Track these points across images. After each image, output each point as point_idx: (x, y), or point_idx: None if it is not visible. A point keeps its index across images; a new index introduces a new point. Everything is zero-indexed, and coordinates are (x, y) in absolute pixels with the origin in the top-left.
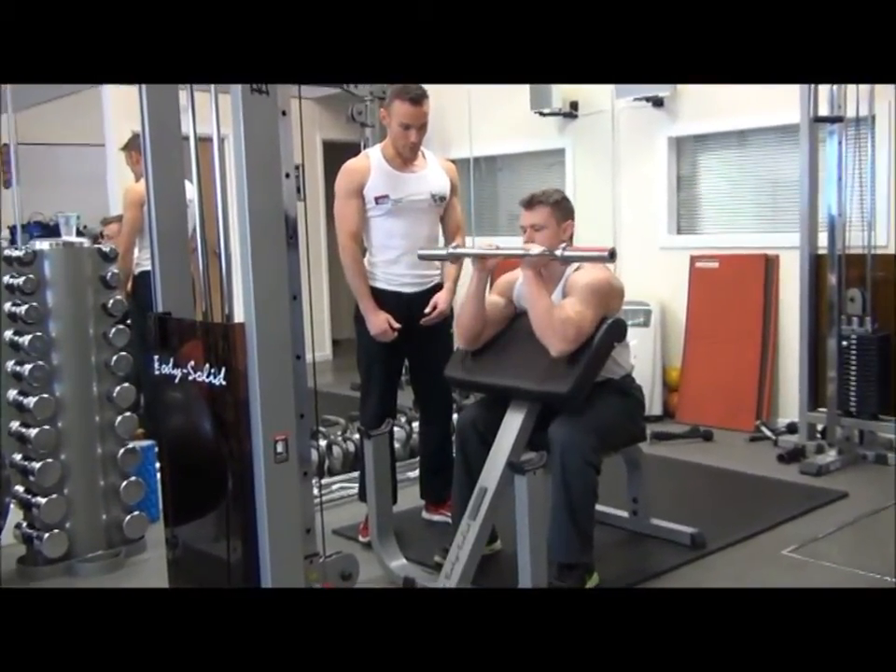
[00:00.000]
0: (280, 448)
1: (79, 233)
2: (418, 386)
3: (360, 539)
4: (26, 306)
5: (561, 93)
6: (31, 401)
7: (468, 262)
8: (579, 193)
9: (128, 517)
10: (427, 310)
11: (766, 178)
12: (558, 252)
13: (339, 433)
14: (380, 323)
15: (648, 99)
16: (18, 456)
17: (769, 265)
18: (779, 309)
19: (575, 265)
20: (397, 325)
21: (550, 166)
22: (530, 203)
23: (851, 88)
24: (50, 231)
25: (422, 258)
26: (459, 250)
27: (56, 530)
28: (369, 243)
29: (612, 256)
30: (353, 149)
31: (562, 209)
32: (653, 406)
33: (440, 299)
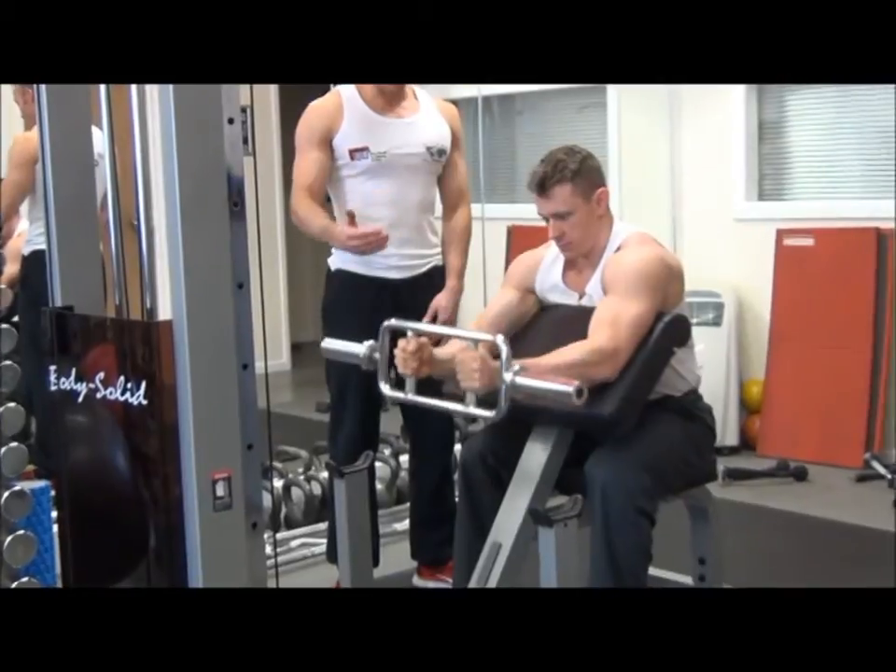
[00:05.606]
0: (221, 490)
1: None
2: (408, 408)
3: None
4: None
5: None
6: None
7: (475, 249)
8: (625, 147)
9: (14, 584)
10: (426, 319)
11: (876, 127)
12: (507, 377)
13: (300, 470)
14: (351, 229)
15: None
16: None
17: (881, 242)
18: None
19: (616, 244)
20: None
21: (583, 109)
22: (542, 188)
23: None
24: None
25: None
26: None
27: None
28: (341, 212)
29: (579, 394)
30: (317, 87)
31: (586, 178)
32: (727, 434)
33: (440, 304)
